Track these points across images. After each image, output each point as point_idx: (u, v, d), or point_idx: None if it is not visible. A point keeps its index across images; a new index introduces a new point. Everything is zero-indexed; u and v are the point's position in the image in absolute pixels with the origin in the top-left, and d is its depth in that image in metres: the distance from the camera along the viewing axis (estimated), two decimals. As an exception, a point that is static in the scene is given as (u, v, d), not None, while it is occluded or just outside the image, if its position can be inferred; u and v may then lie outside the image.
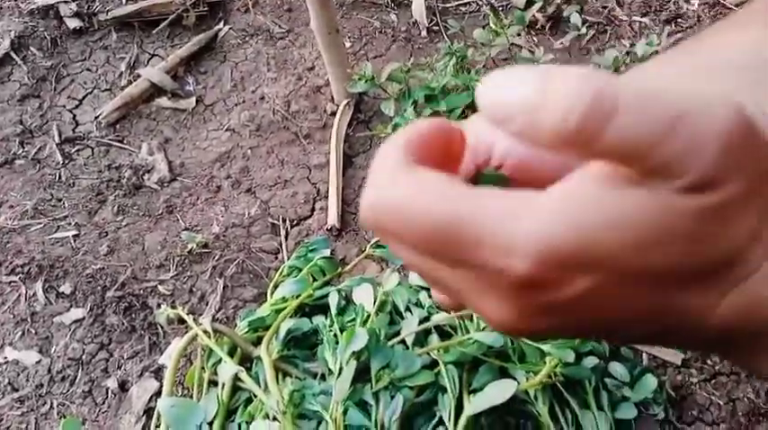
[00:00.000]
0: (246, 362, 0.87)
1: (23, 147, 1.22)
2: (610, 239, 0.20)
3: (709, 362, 0.89)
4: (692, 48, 0.34)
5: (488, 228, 0.21)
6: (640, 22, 1.36)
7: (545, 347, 0.80)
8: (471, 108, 1.08)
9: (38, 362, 0.90)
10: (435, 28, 1.38)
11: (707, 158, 0.20)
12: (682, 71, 0.30)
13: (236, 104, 1.32)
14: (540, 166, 0.27)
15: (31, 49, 1.36)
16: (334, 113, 1.28)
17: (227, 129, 1.29)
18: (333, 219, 1.09)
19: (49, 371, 0.89)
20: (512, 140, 0.27)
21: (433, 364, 0.83)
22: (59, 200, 1.13)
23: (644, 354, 0.91)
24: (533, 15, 1.31)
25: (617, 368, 0.86)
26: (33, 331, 0.93)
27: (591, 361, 0.84)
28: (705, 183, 0.20)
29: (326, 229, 1.09)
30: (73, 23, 1.38)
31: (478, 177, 0.28)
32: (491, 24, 1.15)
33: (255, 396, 0.80)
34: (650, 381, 0.84)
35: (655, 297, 0.23)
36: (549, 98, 0.19)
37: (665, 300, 0.23)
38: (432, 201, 0.22)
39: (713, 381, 0.87)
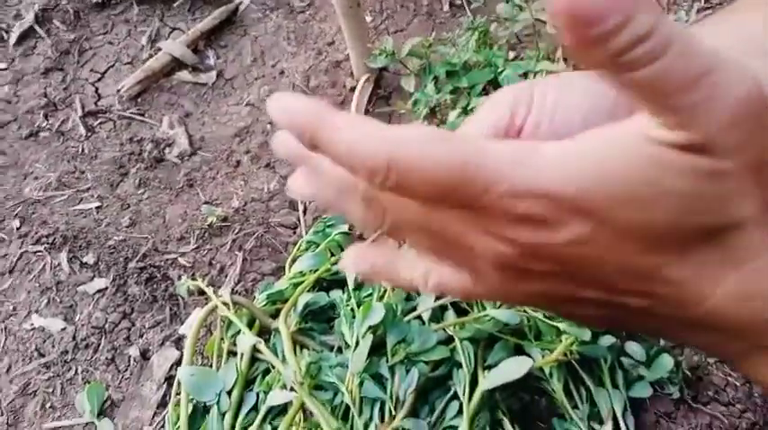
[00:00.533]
0: (265, 333, 0.88)
1: (47, 120, 1.24)
2: (603, 190, 0.21)
3: (727, 343, 0.88)
4: (713, 25, 0.34)
5: (496, 173, 0.22)
6: (668, -3, 1.33)
7: (561, 325, 0.80)
8: (493, 84, 1.06)
9: (63, 329, 0.92)
10: (458, 2, 1.36)
11: (715, 120, 0.20)
12: None
13: (255, 79, 1.32)
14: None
15: (55, 22, 1.37)
16: (353, 89, 1.28)
17: (246, 104, 1.29)
18: (351, 194, 1.10)
19: (74, 338, 0.91)
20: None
21: (449, 340, 0.84)
22: (82, 172, 1.15)
23: (661, 335, 0.91)
24: (558, -10, 1.28)
25: (633, 347, 0.86)
26: (58, 299, 0.96)
27: (607, 340, 0.84)
28: (706, 145, 0.20)
29: (345, 205, 1.09)
30: (95, -4, 1.39)
31: None
32: (514, -1, 1.13)
33: (273, 367, 0.81)
34: (666, 361, 0.84)
35: (642, 259, 0.23)
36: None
37: (652, 265, 0.24)
38: (444, 150, 0.23)
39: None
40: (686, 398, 0.83)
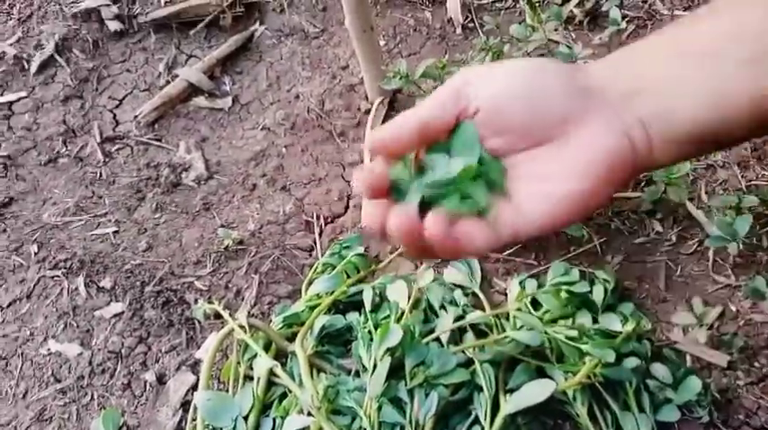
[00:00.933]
0: (281, 357, 0.87)
1: (66, 146, 1.25)
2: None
3: (756, 364, 0.86)
4: (682, 31, 0.36)
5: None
6: (683, 16, 1.32)
7: (584, 347, 0.78)
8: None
9: (79, 354, 0.92)
10: (470, 25, 1.37)
11: None
12: (669, 55, 0.34)
13: (271, 103, 1.33)
14: (505, 116, 0.36)
15: (74, 51, 1.39)
16: (368, 111, 1.28)
17: (262, 128, 1.30)
18: (367, 216, 1.09)
19: (90, 363, 0.91)
20: (484, 95, 0.36)
21: (469, 363, 0.82)
22: (100, 197, 1.16)
23: (688, 356, 0.88)
24: (571, 11, 1.29)
25: (659, 369, 0.84)
26: (75, 324, 0.95)
27: (632, 361, 0.81)
28: None
29: (360, 227, 1.09)
30: (114, 26, 1.41)
31: (456, 126, 0.37)
32: (528, 20, 1.13)
33: (290, 391, 0.80)
34: (694, 383, 0.82)
35: None
36: None
37: None
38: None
39: (761, 384, 0.84)
40: (716, 422, 0.80)
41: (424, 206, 0.37)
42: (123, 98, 1.35)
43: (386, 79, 1.11)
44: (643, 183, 1.10)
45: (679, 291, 0.96)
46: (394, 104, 1.30)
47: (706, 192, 1.09)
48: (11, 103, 1.31)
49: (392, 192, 0.38)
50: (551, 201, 0.34)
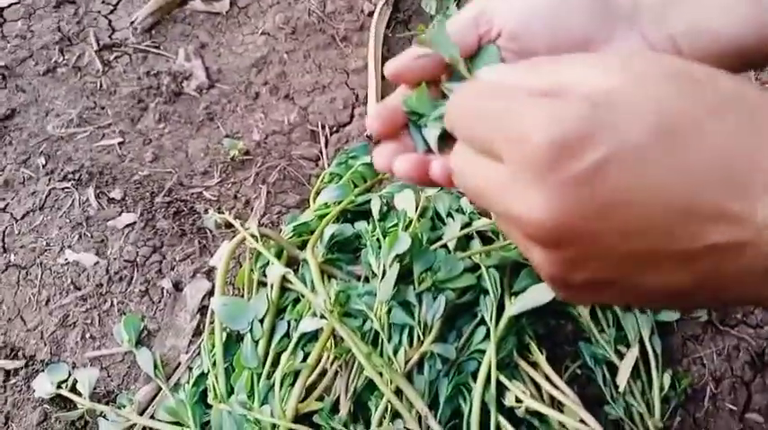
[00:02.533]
0: (293, 264, 0.90)
1: (63, 55, 1.22)
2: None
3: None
4: None
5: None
6: None
7: (589, 251, 0.79)
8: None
9: (96, 263, 0.94)
10: None
11: None
12: None
13: (270, 6, 1.28)
14: (527, 37, 0.35)
15: (62, -49, 1.32)
16: (371, 13, 1.24)
17: (262, 33, 1.26)
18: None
19: (107, 271, 0.93)
20: (506, 17, 0.35)
21: (475, 268, 0.84)
22: (102, 107, 1.15)
23: (689, 259, 0.90)
24: None
25: (661, 272, 0.86)
26: (89, 235, 0.97)
27: (634, 265, 0.84)
28: None
29: (366, 136, 1.08)
30: None
31: (478, 49, 0.37)
32: None
33: (303, 296, 0.83)
34: (694, 285, 0.84)
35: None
36: None
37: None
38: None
39: (759, 286, 0.87)
40: (714, 321, 0.84)
41: (445, 135, 0.37)
42: (117, 3, 1.30)
43: (390, -21, 1.06)
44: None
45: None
46: (398, 5, 1.25)
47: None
48: (2, 9, 1.27)
49: (409, 124, 0.38)
50: None
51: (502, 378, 0.75)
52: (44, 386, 0.83)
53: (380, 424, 0.72)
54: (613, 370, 0.79)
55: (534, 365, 0.78)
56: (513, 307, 0.78)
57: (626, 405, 0.77)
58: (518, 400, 0.73)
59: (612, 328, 0.82)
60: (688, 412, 0.78)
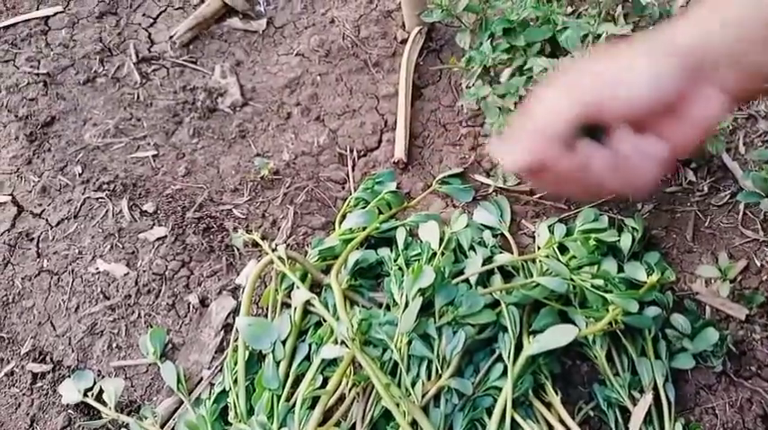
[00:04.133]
0: (317, 287, 0.92)
1: (103, 66, 1.26)
2: None
3: (774, 320, 0.89)
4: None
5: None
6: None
7: (609, 296, 0.81)
8: (550, 43, 1.03)
9: (126, 274, 0.97)
10: (516, -48, 1.31)
11: None
12: (710, 28, 0.44)
13: (305, 27, 1.31)
14: (634, 107, 0.45)
15: (107, -37, 1.37)
16: (404, 41, 1.26)
17: (296, 54, 1.29)
18: (400, 152, 1.10)
19: (136, 283, 0.96)
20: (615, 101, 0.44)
21: (495, 304, 0.86)
22: (138, 119, 1.18)
23: (708, 307, 0.91)
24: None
25: (679, 319, 0.87)
26: (121, 246, 1.00)
27: (653, 310, 0.85)
28: None
29: (393, 162, 1.10)
30: (147, -62, 1.37)
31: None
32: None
33: (325, 320, 0.85)
34: (711, 334, 0.85)
35: None
36: None
37: None
38: None
39: (776, 339, 0.87)
40: (728, 372, 0.84)
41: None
42: (157, 16, 1.33)
43: (426, 12, 1.08)
44: (680, 131, 1.09)
45: (706, 242, 0.98)
46: (432, 35, 1.27)
47: (744, 144, 1.08)
48: (47, 17, 1.31)
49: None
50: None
51: (516, 416, 0.77)
52: (71, 392, 0.86)
53: (395, 454, 0.74)
54: (626, 414, 0.80)
55: (548, 406, 0.80)
56: (532, 346, 0.80)
57: (637, 451, 0.78)
58: (531, 440, 0.74)
59: (627, 373, 0.83)
60: (698, 461, 0.79)
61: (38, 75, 1.25)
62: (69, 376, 0.88)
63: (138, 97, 1.21)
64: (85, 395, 0.85)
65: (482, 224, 1.00)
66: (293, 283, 0.88)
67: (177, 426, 0.83)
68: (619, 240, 0.93)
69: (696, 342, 0.85)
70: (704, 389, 0.84)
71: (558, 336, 0.79)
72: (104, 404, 0.84)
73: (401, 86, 1.20)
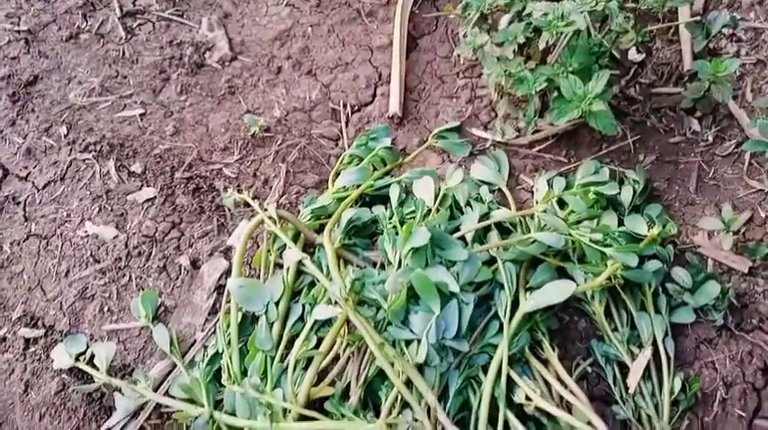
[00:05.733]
0: (310, 247, 0.90)
1: (87, 21, 1.21)
2: None
3: (778, 272, 0.86)
4: None
5: None
6: None
7: (608, 251, 0.78)
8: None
9: (115, 237, 0.95)
10: None
11: None
12: None
13: (295, -24, 1.25)
14: None
15: None
16: (399, -11, 1.21)
17: (286, 4, 1.24)
18: (394, 106, 1.06)
19: (126, 246, 0.94)
20: None
21: (492, 261, 0.84)
22: (124, 77, 1.14)
23: (710, 260, 0.89)
24: None
25: (680, 273, 0.85)
26: (109, 208, 0.98)
27: (653, 264, 0.83)
28: None
29: (388, 117, 1.07)
30: None
31: None
32: None
33: (318, 280, 0.83)
34: (712, 288, 0.83)
35: None
36: None
37: None
38: None
39: (779, 292, 0.85)
40: (729, 326, 0.83)
41: None
42: (141, -32, 1.28)
43: (420, -44, 1.03)
44: (686, 79, 1.05)
45: (709, 193, 0.95)
46: (427, -18, 1.22)
47: (752, 91, 1.04)
48: (25, -29, 1.25)
49: None
50: None
51: (513, 374, 0.75)
52: (63, 357, 0.85)
53: (390, 413, 0.73)
54: (624, 370, 0.79)
55: (545, 362, 0.79)
56: (528, 303, 0.78)
57: (635, 406, 0.77)
58: (527, 398, 0.73)
59: (626, 328, 0.82)
60: (697, 416, 0.78)
61: (18, 32, 1.20)
62: (62, 340, 0.87)
63: (124, 53, 1.17)
64: (77, 359, 0.84)
65: (479, 179, 0.98)
66: (285, 244, 0.86)
67: (171, 389, 0.82)
68: (619, 193, 0.91)
69: (697, 296, 0.83)
70: (704, 343, 0.83)
71: (555, 293, 0.77)
72: (96, 368, 0.83)
73: (396, 37, 1.15)
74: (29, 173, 1.03)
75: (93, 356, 0.84)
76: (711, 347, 0.82)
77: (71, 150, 1.04)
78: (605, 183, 0.92)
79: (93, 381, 0.83)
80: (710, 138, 1.01)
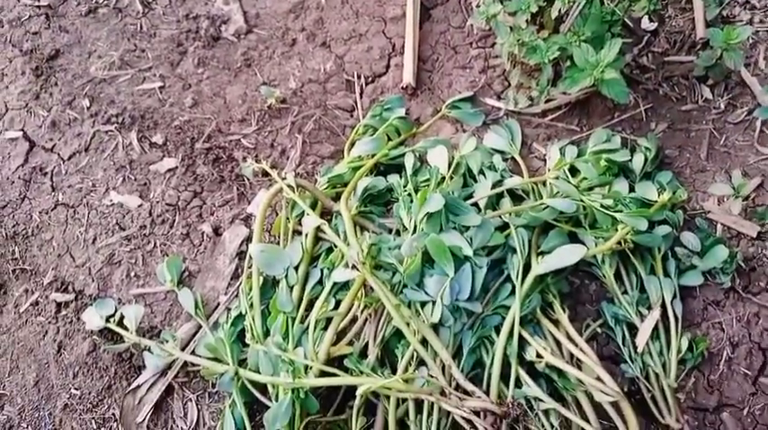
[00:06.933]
0: (327, 214, 0.93)
1: (104, -5, 1.23)
2: None
3: (786, 236, 0.88)
4: None
5: None
6: None
7: (618, 215, 0.80)
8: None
9: (139, 206, 0.99)
10: None
11: None
12: None
13: (309, -52, 1.26)
14: None
15: None
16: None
17: (300, -23, 1.25)
18: (408, 76, 1.08)
19: (150, 214, 0.98)
20: None
21: (504, 226, 0.86)
22: (143, 50, 1.16)
23: (719, 225, 0.91)
24: None
25: (689, 237, 0.87)
26: (133, 178, 1.01)
27: (663, 229, 0.85)
28: None
29: (402, 88, 1.08)
30: None
31: None
32: None
33: (336, 246, 0.86)
34: (721, 252, 0.85)
35: None
36: None
37: None
38: None
39: (787, 255, 0.87)
40: (737, 288, 0.85)
41: None
42: (156, -59, 1.29)
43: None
44: (698, 47, 1.05)
45: (720, 161, 0.96)
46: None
47: (764, 58, 1.04)
48: (43, -54, 1.27)
49: None
50: None
51: (524, 333, 0.78)
52: (94, 319, 0.89)
53: (406, 370, 0.77)
54: (633, 330, 0.82)
55: (556, 323, 0.81)
56: (540, 266, 0.81)
57: (643, 364, 0.80)
58: (538, 356, 0.76)
59: (636, 290, 0.84)
60: (703, 374, 0.81)
61: (39, 7, 1.22)
62: (91, 304, 0.91)
63: (142, 27, 1.19)
64: (107, 321, 0.88)
65: (492, 148, 0.99)
66: (303, 211, 0.89)
67: (197, 349, 0.86)
68: (631, 160, 0.92)
69: (705, 259, 0.85)
70: (712, 304, 0.85)
71: (565, 256, 0.80)
72: (126, 329, 0.87)
73: (409, 7, 1.16)
74: (54, 144, 1.06)
75: (122, 318, 0.88)
76: (719, 309, 0.85)
77: (94, 122, 1.07)
78: (617, 150, 0.93)
79: (123, 342, 0.87)
80: (722, 106, 1.01)
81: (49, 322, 0.92)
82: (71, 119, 1.08)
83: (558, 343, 0.79)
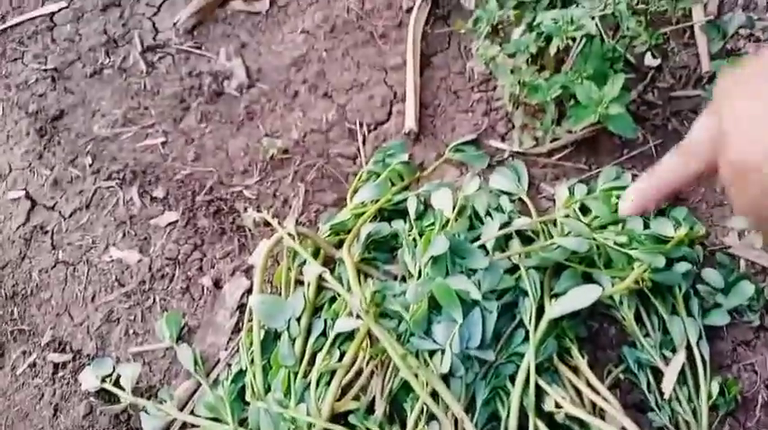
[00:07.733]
0: (329, 263, 0.90)
1: (109, 57, 1.25)
2: None
3: (814, 269, 0.83)
4: None
5: None
6: None
7: (633, 253, 0.77)
8: (560, -2, 0.99)
9: (139, 261, 0.97)
10: None
11: None
12: None
13: (309, 4, 1.28)
14: None
15: (108, -45, 1.36)
16: (410, 10, 1.22)
17: (301, 32, 1.26)
18: (410, 122, 1.07)
19: (150, 269, 0.96)
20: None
21: (514, 269, 0.83)
22: (146, 108, 1.17)
23: (742, 261, 0.86)
24: None
25: (711, 274, 0.82)
26: (133, 232, 1.00)
27: (682, 266, 0.80)
28: None
29: (404, 133, 1.07)
30: (145, -74, 1.36)
31: None
32: None
33: (339, 295, 0.83)
34: (746, 288, 0.80)
35: None
36: None
37: None
38: None
39: (817, 290, 0.82)
40: (766, 326, 0.80)
41: None
42: (161, 4, 1.32)
43: (429, -25, 1.04)
44: (705, 81, 1.04)
45: (736, 194, 0.93)
46: (437, 1, 1.23)
47: (774, 89, 1.02)
48: (52, 13, 1.31)
49: None
50: None
51: (541, 382, 0.73)
52: (90, 380, 0.86)
53: (416, 426, 0.72)
54: (658, 375, 0.76)
55: (575, 370, 0.76)
56: (554, 309, 0.76)
57: (671, 412, 0.74)
58: (557, 406, 0.71)
59: (658, 332, 0.79)
60: (738, 421, 0.75)
61: (45, 71, 1.25)
62: (89, 364, 0.88)
63: (145, 86, 1.21)
64: (104, 381, 0.85)
65: (498, 189, 0.97)
66: (306, 260, 0.86)
67: (196, 408, 0.82)
68: (643, 196, 0.89)
69: (730, 297, 0.81)
70: (741, 345, 0.79)
71: (580, 297, 0.76)
72: (123, 389, 0.83)
73: (409, 56, 1.16)
74: (55, 203, 1.06)
75: (119, 378, 0.85)
76: (749, 349, 0.79)
77: (95, 179, 1.07)
78: (628, 186, 0.90)
79: (120, 402, 0.83)
80: (734, 139, 0.98)
81: (46, 384, 0.89)
82: (73, 176, 1.08)
83: (578, 391, 0.74)
